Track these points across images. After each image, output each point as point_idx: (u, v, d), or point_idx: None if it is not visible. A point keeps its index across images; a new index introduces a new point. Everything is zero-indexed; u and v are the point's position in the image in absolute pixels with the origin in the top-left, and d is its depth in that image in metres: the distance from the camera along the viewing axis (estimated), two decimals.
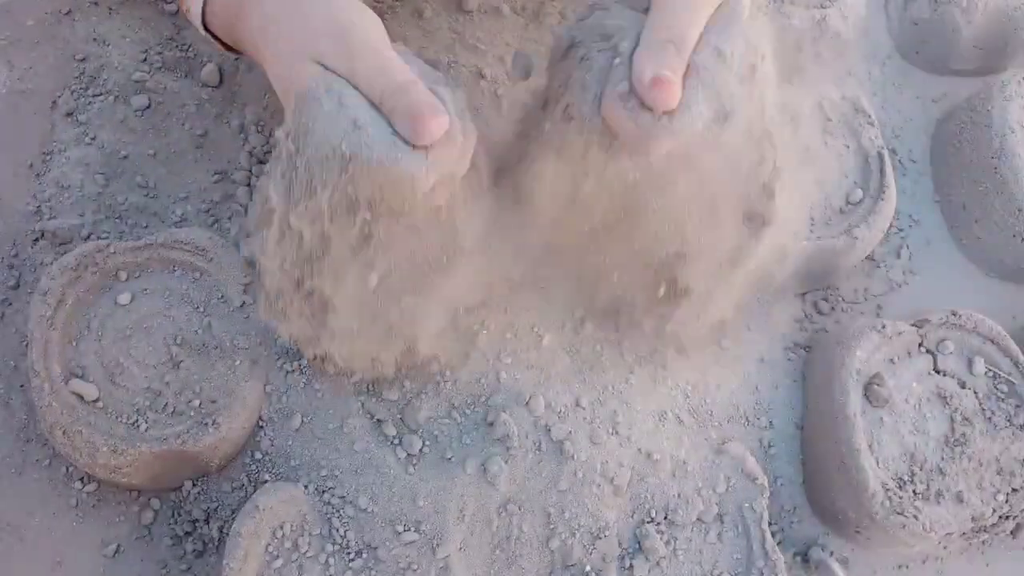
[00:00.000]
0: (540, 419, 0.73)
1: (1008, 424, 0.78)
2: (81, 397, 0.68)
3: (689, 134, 0.56)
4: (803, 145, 0.86)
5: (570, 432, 0.72)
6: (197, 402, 0.69)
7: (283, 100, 0.59)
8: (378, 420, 0.72)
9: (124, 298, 0.71)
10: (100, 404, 0.68)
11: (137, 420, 0.68)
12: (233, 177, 0.82)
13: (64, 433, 0.67)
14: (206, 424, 0.68)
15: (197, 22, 0.61)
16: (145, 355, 0.70)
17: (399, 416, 0.73)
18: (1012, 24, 0.98)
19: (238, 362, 0.70)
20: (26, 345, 0.70)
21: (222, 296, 0.72)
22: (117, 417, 0.68)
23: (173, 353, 0.70)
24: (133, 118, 0.83)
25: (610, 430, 0.74)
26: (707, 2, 0.58)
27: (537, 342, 0.77)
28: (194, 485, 0.72)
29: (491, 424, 0.72)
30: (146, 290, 0.72)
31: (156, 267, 0.73)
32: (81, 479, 0.72)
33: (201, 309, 0.72)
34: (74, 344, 0.70)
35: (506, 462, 0.70)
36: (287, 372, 0.74)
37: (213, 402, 0.69)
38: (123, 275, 0.72)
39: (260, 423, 0.72)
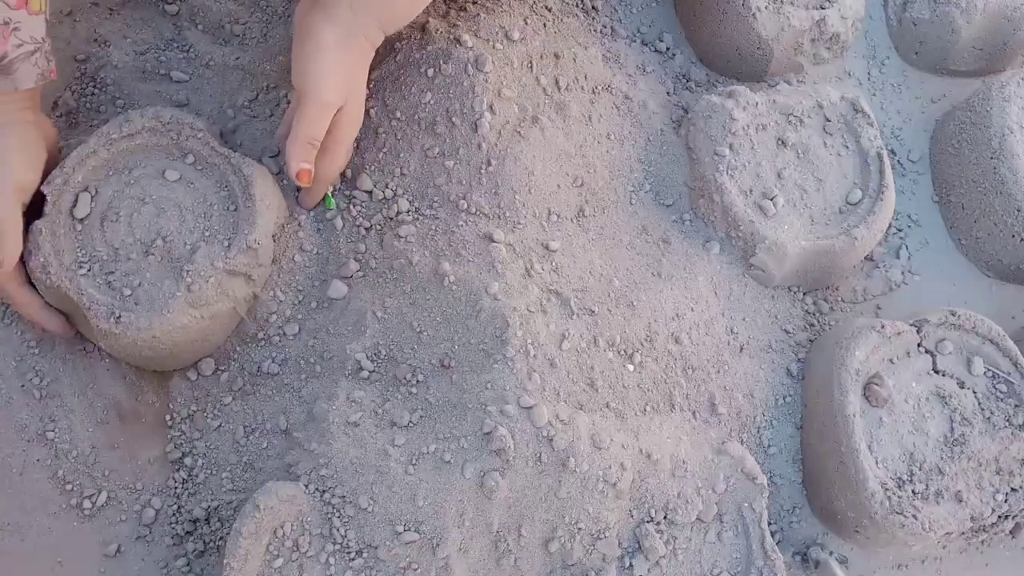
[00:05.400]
0: (542, 430, 0.71)
1: (1007, 424, 0.78)
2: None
3: None
4: None
5: (572, 441, 0.71)
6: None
7: None
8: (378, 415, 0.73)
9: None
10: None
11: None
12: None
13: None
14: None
15: None
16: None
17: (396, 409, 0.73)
18: (1011, 24, 0.98)
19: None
20: (27, 343, 0.71)
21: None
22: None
23: None
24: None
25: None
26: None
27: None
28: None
29: (487, 434, 0.70)
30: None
31: None
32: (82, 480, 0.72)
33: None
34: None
35: (503, 476, 0.69)
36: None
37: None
38: None
39: (259, 423, 0.72)
